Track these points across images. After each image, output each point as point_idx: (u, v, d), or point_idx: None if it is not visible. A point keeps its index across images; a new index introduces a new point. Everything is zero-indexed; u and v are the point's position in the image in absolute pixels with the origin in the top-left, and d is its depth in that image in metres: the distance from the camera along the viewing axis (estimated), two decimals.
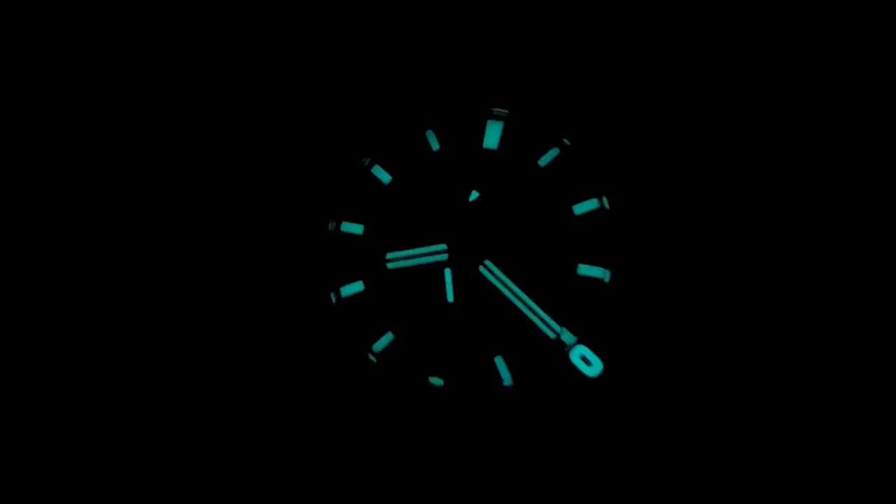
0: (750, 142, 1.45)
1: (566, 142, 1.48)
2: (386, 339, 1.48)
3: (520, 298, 1.43)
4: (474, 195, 1.48)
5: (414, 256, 1.48)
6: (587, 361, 1.41)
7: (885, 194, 1.42)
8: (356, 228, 1.50)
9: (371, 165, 1.50)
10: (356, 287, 1.49)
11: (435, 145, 1.51)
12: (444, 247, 1.47)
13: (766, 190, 1.44)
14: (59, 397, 1.45)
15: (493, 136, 1.50)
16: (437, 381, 1.46)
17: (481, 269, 1.46)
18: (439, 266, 1.47)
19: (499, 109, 1.49)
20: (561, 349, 1.43)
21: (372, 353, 1.47)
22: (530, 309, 1.43)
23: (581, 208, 1.47)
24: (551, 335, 1.43)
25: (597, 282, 1.45)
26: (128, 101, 1.51)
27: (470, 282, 1.47)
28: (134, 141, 1.50)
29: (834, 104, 1.44)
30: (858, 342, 1.40)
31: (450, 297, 1.46)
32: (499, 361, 1.45)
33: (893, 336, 1.39)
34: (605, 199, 1.46)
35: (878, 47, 1.45)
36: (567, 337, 1.44)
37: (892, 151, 1.44)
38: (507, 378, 1.45)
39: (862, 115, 1.44)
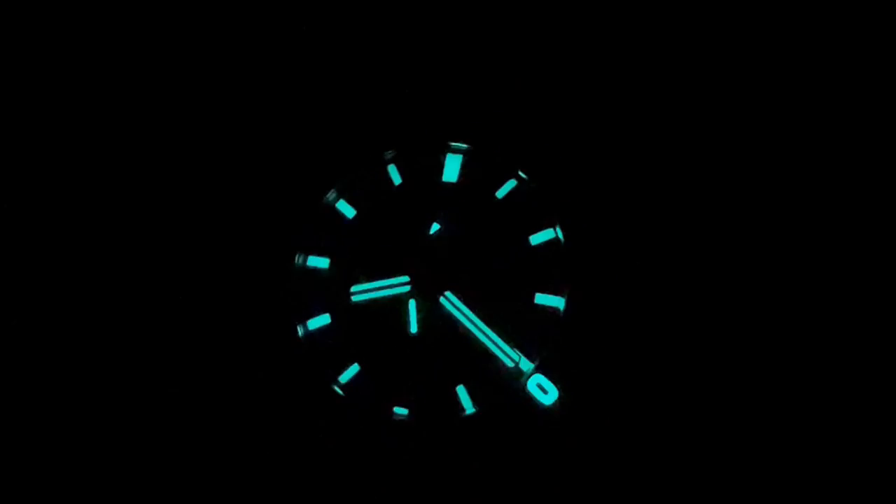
0: (703, 173, 1.46)
1: (522, 175, 1.50)
2: (352, 370, 1.51)
3: (478, 328, 1.45)
4: (435, 227, 1.51)
5: (377, 289, 1.51)
6: (543, 390, 1.41)
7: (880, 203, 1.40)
8: (322, 262, 1.54)
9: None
10: (323, 320, 1.53)
11: (397, 179, 1.55)
12: (406, 278, 1.50)
13: (720, 219, 1.44)
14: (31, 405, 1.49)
15: (452, 169, 1.54)
16: (401, 410, 1.48)
17: (441, 300, 1.48)
18: (402, 297, 1.50)
19: (457, 144, 1.53)
20: (519, 377, 1.44)
21: (338, 384, 1.50)
22: (489, 338, 1.45)
23: (537, 239, 1.49)
24: (509, 363, 1.44)
25: (553, 311, 1.46)
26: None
27: (432, 312, 1.49)
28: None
29: (810, 124, 1.44)
30: (840, 361, 1.38)
31: (413, 328, 1.48)
32: (461, 390, 1.47)
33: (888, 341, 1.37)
34: (558, 230, 1.47)
35: (869, 48, 1.44)
36: (524, 364, 1.45)
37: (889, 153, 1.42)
38: (468, 406, 1.46)
39: (851, 128, 1.44)
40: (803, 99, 1.45)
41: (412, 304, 1.48)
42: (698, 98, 1.48)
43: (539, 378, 1.42)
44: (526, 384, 1.42)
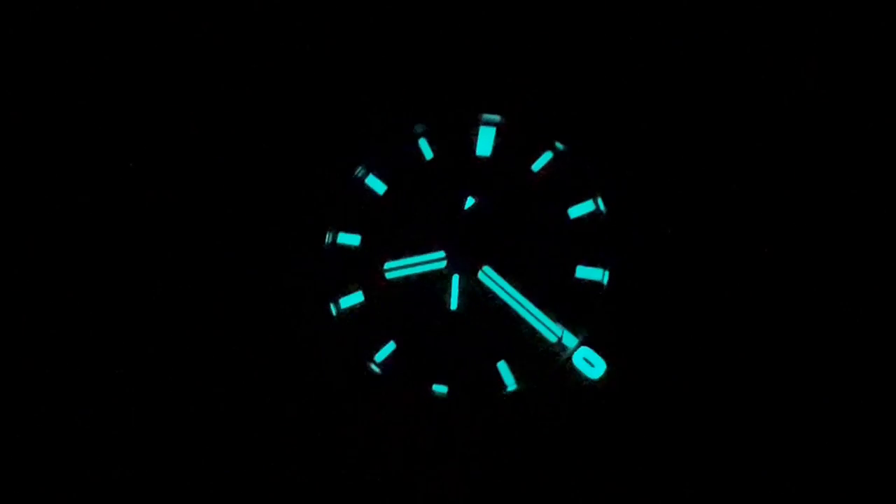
0: (744, 142, 1.45)
1: (559, 146, 1.47)
2: (388, 348, 1.47)
3: (520, 303, 1.43)
4: (470, 202, 1.48)
5: (412, 265, 1.48)
6: (590, 363, 1.40)
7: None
8: (353, 239, 1.51)
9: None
10: (356, 297, 1.49)
11: (428, 154, 1.51)
12: (442, 254, 1.47)
13: (761, 189, 1.43)
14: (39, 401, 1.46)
15: (485, 142, 1.50)
16: (441, 388, 1.45)
17: (480, 275, 1.45)
18: (439, 274, 1.47)
19: (490, 116, 1.50)
20: (564, 352, 1.42)
21: (374, 363, 1.47)
22: (530, 313, 1.42)
23: (576, 211, 1.46)
24: (552, 338, 1.42)
25: (595, 284, 1.44)
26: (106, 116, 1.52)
27: (470, 288, 1.46)
28: (124, 154, 1.52)
29: (831, 108, 1.43)
30: (863, 344, 1.38)
31: (454, 305, 1.45)
32: (502, 367, 1.45)
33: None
34: (599, 201, 1.45)
35: (877, 47, 1.44)
36: (568, 339, 1.43)
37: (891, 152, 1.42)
38: (511, 383, 1.44)
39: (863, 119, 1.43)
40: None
41: (455, 279, 1.45)
42: (743, 62, 1.46)
43: (585, 352, 1.40)
44: (572, 358, 1.40)
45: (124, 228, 1.49)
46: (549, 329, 1.42)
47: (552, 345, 1.43)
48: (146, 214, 1.49)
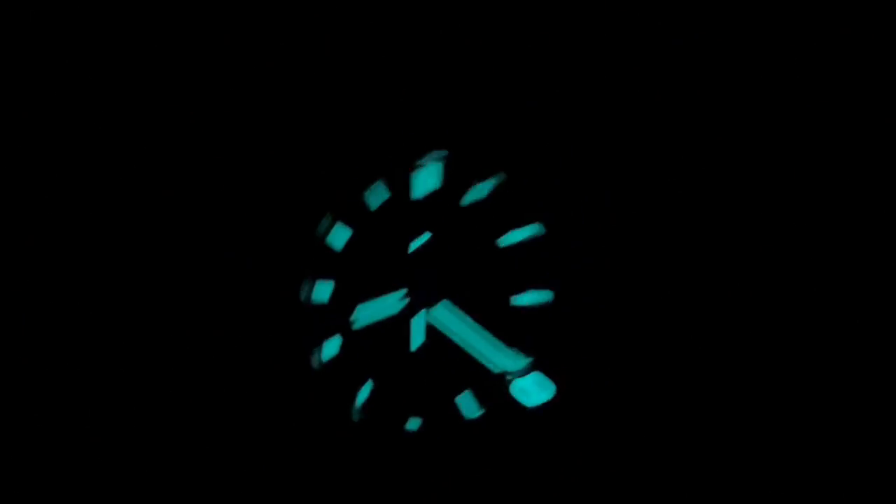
0: (677, 156, 1.42)
1: (492, 180, 1.52)
2: (366, 389, 1.59)
3: (463, 340, 1.49)
4: (416, 243, 1.56)
5: (376, 310, 1.58)
6: (525, 392, 1.44)
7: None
8: (324, 293, 1.62)
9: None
10: (333, 348, 1.61)
11: (375, 204, 1.60)
12: (401, 293, 1.56)
13: (701, 202, 1.40)
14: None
15: (422, 184, 1.57)
16: (414, 423, 1.55)
17: (435, 312, 1.53)
18: (404, 313, 1.56)
19: (422, 160, 1.56)
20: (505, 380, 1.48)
21: (356, 408, 1.59)
22: (472, 347, 1.49)
23: (513, 238, 1.50)
24: (494, 369, 1.48)
25: (542, 308, 1.48)
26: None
27: (429, 325, 1.55)
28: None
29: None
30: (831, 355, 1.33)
31: (414, 346, 1.54)
32: (466, 396, 1.52)
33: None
34: (538, 227, 1.49)
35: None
36: (511, 366, 1.48)
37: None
38: (474, 411, 1.52)
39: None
40: (786, 95, 1.38)
41: (415, 320, 1.53)
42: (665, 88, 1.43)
43: (523, 382, 1.45)
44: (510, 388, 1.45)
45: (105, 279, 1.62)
46: (490, 361, 1.48)
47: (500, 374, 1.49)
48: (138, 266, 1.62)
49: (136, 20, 1.63)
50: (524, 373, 1.46)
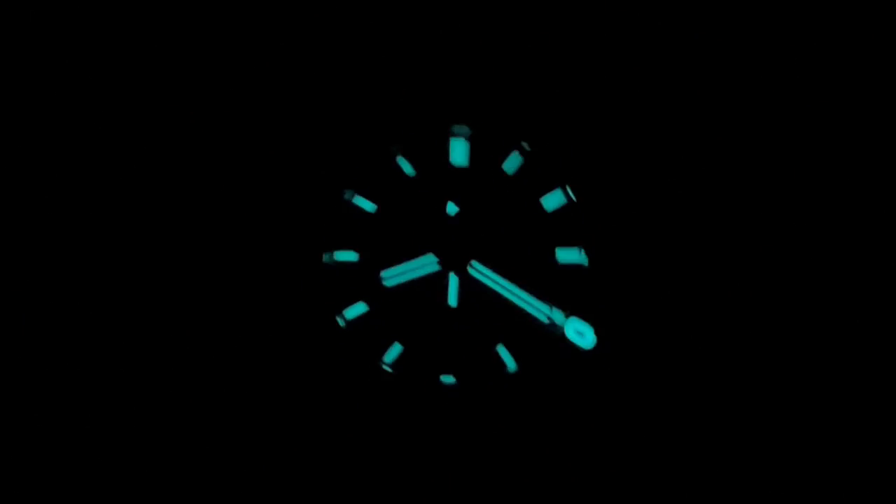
0: (713, 130, 1.57)
1: (525, 146, 1.63)
2: (395, 349, 1.60)
3: (508, 290, 1.56)
4: (452, 207, 1.62)
5: (407, 271, 1.62)
6: (581, 334, 1.53)
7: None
8: (350, 256, 1.64)
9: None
10: (360, 308, 1.62)
11: (409, 170, 1.66)
12: (432, 257, 1.61)
13: (732, 175, 1.55)
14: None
15: (459, 152, 1.66)
16: (448, 378, 1.58)
17: (469, 269, 1.59)
18: (434, 275, 1.61)
19: (459, 128, 1.65)
20: (555, 329, 1.55)
21: (385, 363, 1.60)
22: (519, 297, 1.56)
23: (549, 202, 1.61)
24: (543, 319, 1.56)
25: (577, 266, 1.58)
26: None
27: (463, 284, 1.60)
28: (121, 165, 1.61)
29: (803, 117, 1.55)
30: (852, 338, 1.50)
31: (452, 302, 1.59)
32: (501, 350, 1.58)
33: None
34: (569, 191, 1.60)
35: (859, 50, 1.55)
36: (557, 317, 1.56)
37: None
38: (511, 364, 1.57)
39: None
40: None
41: (452, 277, 1.58)
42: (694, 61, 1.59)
43: (575, 322, 1.53)
44: (564, 333, 1.53)
45: (122, 238, 1.59)
46: (538, 310, 1.55)
47: (544, 324, 1.56)
48: (148, 238, 1.60)
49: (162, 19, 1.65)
50: (567, 319, 1.54)
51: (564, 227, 1.60)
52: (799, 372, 1.50)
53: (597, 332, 1.54)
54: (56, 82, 1.63)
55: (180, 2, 1.63)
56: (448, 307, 1.60)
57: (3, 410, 1.56)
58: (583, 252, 1.58)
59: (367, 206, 1.65)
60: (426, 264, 1.61)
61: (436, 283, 1.61)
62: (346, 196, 1.65)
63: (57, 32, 1.62)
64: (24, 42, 1.62)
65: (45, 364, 1.57)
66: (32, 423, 1.55)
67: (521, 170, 1.63)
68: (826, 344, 1.50)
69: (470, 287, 1.60)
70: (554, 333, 1.56)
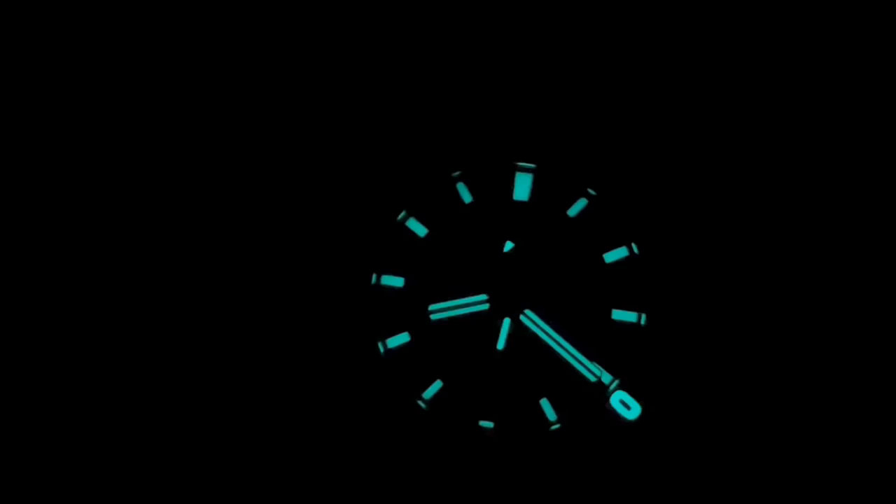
0: (779, 188, 1.51)
1: (591, 192, 1.54)
2: (435, 386, 1.56)
3: (559, 344, 1.51)
4: (508, 245, 1.55)
5: (456, 307, 1.56)
6: (626, 405, 1.49)
7: None
8: (397, 281, 1.58)
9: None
10: (402, 338, 1.58)
11: (467, 198, 1.58)
12: (484, 297, 1.55)
13: (799, 231, 1.50)
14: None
15: (522, 187, 1.57)
16: (486, 423, 1.55)
17: (522, 318, 1.53)
18: (482, 315, 1.55)
19: (525, 164, 1.56)
20: (602, 391, 1.51)
21: (422, 399, 1.56)
22: (570, 354, 1.51)
23: (611, 256, 1.53)
24: (591, 378, 1.51)
25: (632, 326, 1.52)
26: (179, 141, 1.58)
27: (513, 329, 1.55)
28: (187, 186, 1.58)
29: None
30: None
31: (500, 346, 1.54)
32: (544, 404, 1.54)
33: None
34: (633, 246, 1.53)
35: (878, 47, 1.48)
36: (606, 378, 1.52)
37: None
38: (553, 419, 1.53)
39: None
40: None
41: (506, 323, 1.52)
42: (764, 111, 1.52)
43: (622, 395, 1.49)
44: (609, 399, 1.49)
45: (189, 269, 1.56)
46: (588, 369, 1.50)
47: (591, 384, 1.52)
48: (203, 256, 1.56)
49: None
50: (616, 388, 1.50)
51: (625, 284, 1.53)
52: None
53: (644, 401, 1.49)
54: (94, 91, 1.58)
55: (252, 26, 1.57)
56: (495, 350, 1.54)
57: (31, 409, 1.55)
58: (642, 317, 1.52)
59: (419, 230, 1.58)
60: (477, 303, 1.55)
61: (483, 323, 1.56)
62: (400, 217, 1.58)
63: (54, 32, 1.57)
64: (26, 42, 1.58)
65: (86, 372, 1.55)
66: (58, 426, 1.54)
67: (585, 215, 1.55)
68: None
69: (519, 333, 1.55)
70: (600, 394, 1.52)
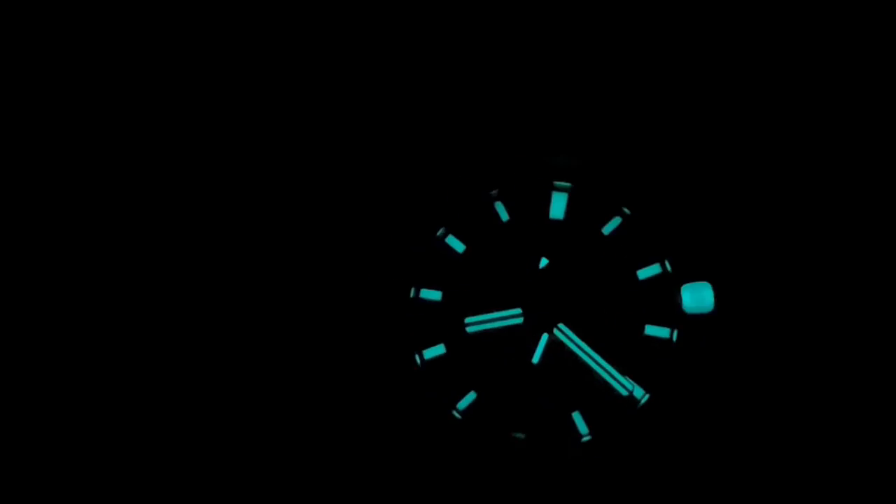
0: (809, 204, 1.55)
1: (626, 211, 1.59)
2: (469, 397, 1.60)
3: (593, 359, 1.55)
4: (544, 262, 1.60)
5: (491, 321, 1.60)
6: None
7: None
8: (434, 295, 1.63)
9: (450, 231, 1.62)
10: (438, 350, 1.62)
11: (504, 216, 1.64)
12: (519, 311, 1.59)
13: (833, 249, 1.53)
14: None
15: (558, 206, 1.63)
16: (519, 435, 1.58)
17: (556, 331, 1.57)
18: (516, 329, 1.59)
19: (561, 183, 1.62)
20: (633, 402, 1.54)
21: (457, 410, 1.59)
22: (603, 368, 1.54)
23: (644, 273, 1.58)
24: (623, 392, 1.54)
25: (664, 342, 1.56)
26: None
27: (546, 343, 1.59)
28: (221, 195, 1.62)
29: None
30: None
31: (536, 359, 1.57)
32: (576, 416, 1.57)
33: None
34: (667, 263, 1.57)
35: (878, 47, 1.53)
36: (638, 392, 1.55)
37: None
38: (585, 432, 1.56)
39: None
40: None
41: (544, 337, 1.57)
42: (799, 128, 1.56)
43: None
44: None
45: (217, 280, 1.60)
46: (621, 384, 1.54)
47: (623, 398, 1.55)
48: (242, 268, 1.60)
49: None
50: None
51: (657, 301, 1.57)
52: None
53: (676, 413, 1.52)
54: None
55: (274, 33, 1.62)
56: (529, 363, 1.58)
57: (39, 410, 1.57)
58: (674, 333, 1.56)
59: (458, 246, 1.64)
60: (511, 317, 1.60)
61: (517, 337, 1.60)
62: (439, 234, 1.64)
63: (54, 32, 1.61)
64: (26, 42, 1.61)
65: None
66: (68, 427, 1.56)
67: (620, 234, 1.60)
68: None
69: (554, 347, 1.58)
70: (632, 407, 1.55)
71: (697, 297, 1.55)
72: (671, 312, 1.57)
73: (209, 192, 1.62)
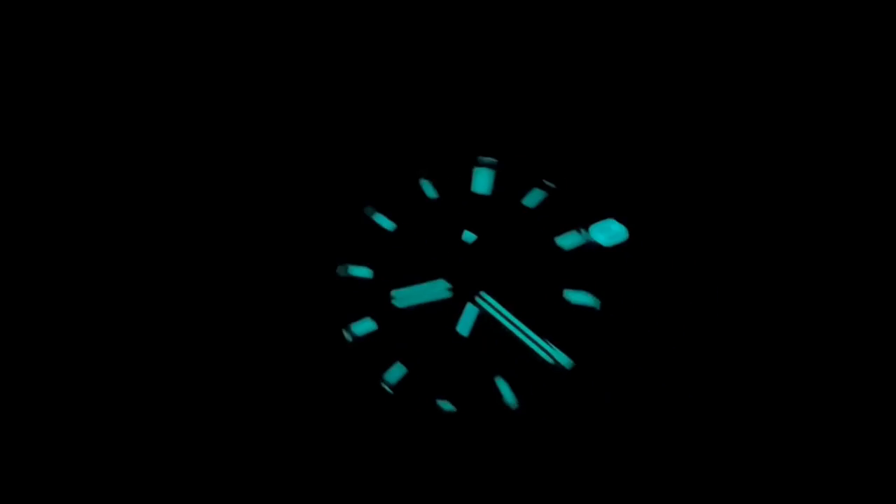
0: (728, 166, 1.59)
1: (548, 183, 1.64)
2: (398, 370, 1.63)
3: (514, 325, 1.58)
4: (469, 235, 1.64)
5: (419, 293, 1.63)
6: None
7: None
8: (364, 272, 1.66)
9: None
10: (368, 325, 1.65)
11: (431, 193, 1.68)
12: (444, 282, 1.62)
13: (761, 234, 1.57)
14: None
15: (482, 182, 1.67)
16: (446, 405, 1.60)
17: (477, 299, 1.61)
18: (445, 301, 1.63)
19: (486, 158, 1.66)
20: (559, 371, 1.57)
21: (386, 383, 1.62)
22: (526, 335, 1.57)
23: (564, 241, 1.62)
24: (549, 360, 1.57)
25: (587, 308, 1.59)
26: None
27: (475, 315, 1.62)
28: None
29: None
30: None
31: (463, 330, 1.60)
32: (501, 384, 1.59)
33: None
34: (583, 231, 1.61)
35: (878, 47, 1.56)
36: (562, 359, 1.58)
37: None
38: (510, 399, 1.59)
39: None
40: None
41: (469, 308, 1.60)
42: (715, 97, 1.60)
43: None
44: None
45: (146, 258, 1.62)
46: (546, 352, 1.57)
47: (549, 365, 1.58)
48: (162, 245, 1.63)
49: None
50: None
51: (580, 268, 1.61)
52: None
53: (600, 380, 1.55)
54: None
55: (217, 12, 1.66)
56: (456, 334, 1.61)
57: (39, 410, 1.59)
58: (593, 296, 1.59)
59: (387, 224, 1.67)
60: (437, 289, 1.63)
61: (445, 309, 1.63)
62: (367, 212, 1.67)
63: (54, 32, 1.64)
64: (27, 42, 1.64)
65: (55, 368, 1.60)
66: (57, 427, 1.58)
67: (542, 206, 1.64)
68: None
69: (480, 318, 1.61)
70: (557, 373, 1.58)
71: (607, 231, 1.58)
72: (594, 280, 1.60)
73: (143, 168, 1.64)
